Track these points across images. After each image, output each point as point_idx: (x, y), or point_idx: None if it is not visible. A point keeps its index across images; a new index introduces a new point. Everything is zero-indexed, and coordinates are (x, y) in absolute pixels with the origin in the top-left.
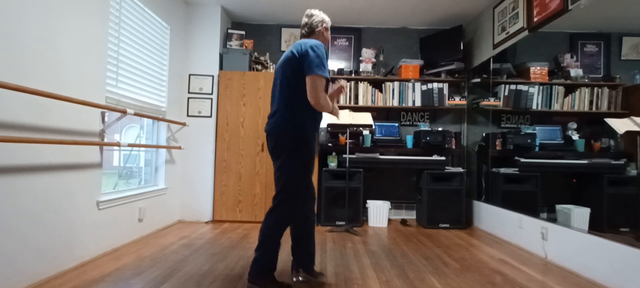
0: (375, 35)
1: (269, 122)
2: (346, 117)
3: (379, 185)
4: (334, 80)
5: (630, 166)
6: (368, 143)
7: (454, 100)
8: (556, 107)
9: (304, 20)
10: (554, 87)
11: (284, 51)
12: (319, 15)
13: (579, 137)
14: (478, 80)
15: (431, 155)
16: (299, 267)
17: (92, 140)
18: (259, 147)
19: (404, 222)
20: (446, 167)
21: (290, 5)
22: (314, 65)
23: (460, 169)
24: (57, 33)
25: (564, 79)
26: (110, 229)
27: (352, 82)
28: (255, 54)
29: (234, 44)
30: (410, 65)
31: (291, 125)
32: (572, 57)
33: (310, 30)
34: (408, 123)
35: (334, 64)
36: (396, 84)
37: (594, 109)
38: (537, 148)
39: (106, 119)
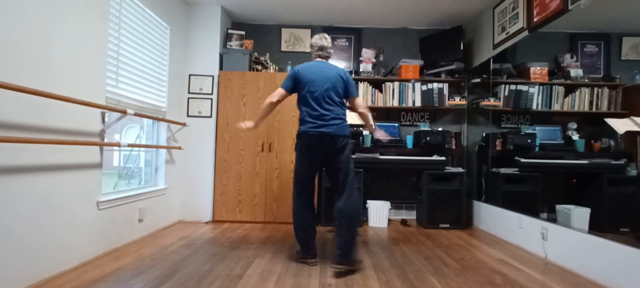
0: (375, 35)
1: (333, 124)
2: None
3: (379, 185)
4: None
5: (630, 166)
6: (368, 143)
7: (454, 100)
8: (556, 107)
9: (325, 43)
10: (554, 87)
11: (284, 51)
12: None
13: (579, 137)
14: (478, 80)
15: (431, 156)
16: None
17: (92, 141)
18: (259, 147)
19: (404, 222)
20: (446, 167)
21: (290, 5)
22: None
23: (460, 169)
24: (57, 33)
25: (564, 79)
26: (110, 229)
27: None
28: (255, 54)
29: (234, 44)
30: (410, 66)
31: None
32: (572, 57)
33: (329, 55)
34: (408, 123)
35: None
36: (396, 84)
37: (594, 109)
38: (537, 149)
39: (106, 119)
